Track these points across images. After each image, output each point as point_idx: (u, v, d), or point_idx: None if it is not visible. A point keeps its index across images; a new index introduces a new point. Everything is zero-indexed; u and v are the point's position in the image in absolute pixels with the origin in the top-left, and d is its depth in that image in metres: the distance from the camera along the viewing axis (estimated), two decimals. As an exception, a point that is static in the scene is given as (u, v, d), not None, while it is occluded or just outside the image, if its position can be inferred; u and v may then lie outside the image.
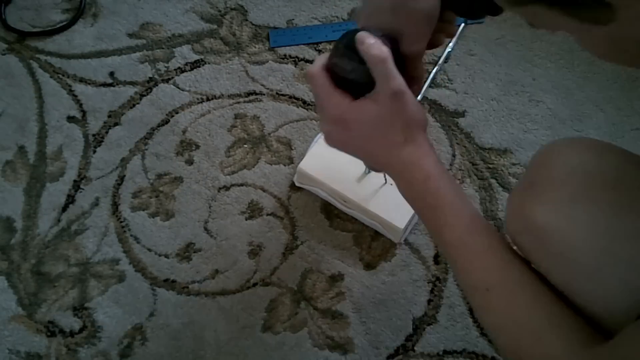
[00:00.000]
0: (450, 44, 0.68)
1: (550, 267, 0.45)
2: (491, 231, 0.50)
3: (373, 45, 0.48)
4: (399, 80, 0.48)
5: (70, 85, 0.92)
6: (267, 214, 0.83)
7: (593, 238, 0.42)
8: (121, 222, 0.83)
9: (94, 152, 0.88)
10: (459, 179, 0.84)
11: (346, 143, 0.53)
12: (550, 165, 0.47)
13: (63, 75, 0.93)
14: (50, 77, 0.93)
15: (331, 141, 0.54)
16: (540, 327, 0.44)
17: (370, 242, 0.80)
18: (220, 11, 0.98)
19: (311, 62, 0.93)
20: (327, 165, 0.78)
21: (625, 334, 0.38)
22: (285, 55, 0.94)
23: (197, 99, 0.91)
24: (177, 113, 0.90)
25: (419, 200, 0.51)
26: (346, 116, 0.51)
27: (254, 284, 0.79)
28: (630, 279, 0.40)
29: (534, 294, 0.45)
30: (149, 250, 0.81)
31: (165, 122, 0.89)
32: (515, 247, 0.49)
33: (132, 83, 0.92)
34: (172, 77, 0.92)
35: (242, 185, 0.85)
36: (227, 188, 0.85)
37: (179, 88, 0.92)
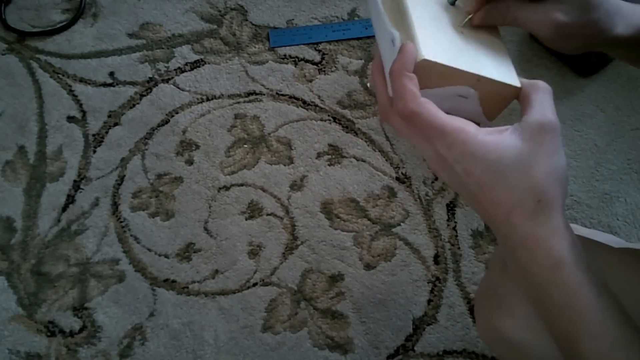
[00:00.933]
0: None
1: None
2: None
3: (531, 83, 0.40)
4: (556, 116, 0.38)
5: (70, 85, 0.93)
6: (267, 214, 0.83)
7: (552, 343, 0.41)
8: (121, 222, 0.83)
9: (94, 152, 0.88)
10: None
11: (460, 186, 0.39)
12: (511, 278, 0.47)
13: (63, 75, 0.93)
14: (50, 77, 0.93)
15: (443, 178, 0.40)
16: None
17: (370, 242, 0.80)
18: (220, 11, 0.98)
19: (311, 62, 0.93)
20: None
21: None
22: (285, 55, 0.94)
23: (197, 99, 0.91)
24: (177, 113, 0.90)
25: (541, 289, 0.37)
26: (471, 150, 0.36)
27: (254, 284, 0.79)
28: None
29: None
30: (149, 250, 0.81)
31: (165, 122, 0.89)
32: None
33: (132, 83, 0.92)
34: (172, 77, 0.92)
35: (242, 185, 0.85)
36: (227, 188, 0.85)
37: (179, 88, 0.92)
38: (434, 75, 0.38)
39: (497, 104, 0.40)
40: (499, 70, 0.41)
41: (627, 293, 0.39)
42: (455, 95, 0.40)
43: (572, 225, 0.78)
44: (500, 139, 0.37)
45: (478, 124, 0.38)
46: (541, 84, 0.40)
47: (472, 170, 0.37)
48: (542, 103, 0.39)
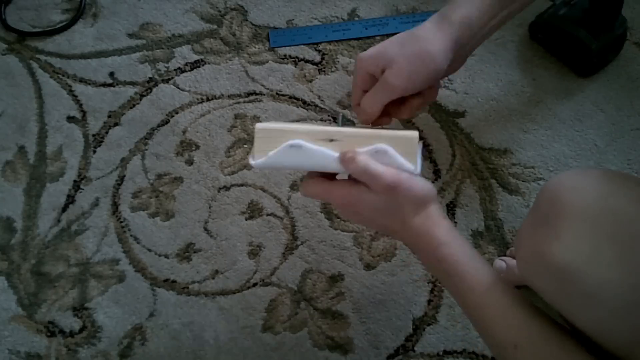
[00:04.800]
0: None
1: (574, 309, 0.43)
2: (510, 289, 0.50)
3: (350, 160, 0.52)
4: (387, 175, 0.51)
5: (70, 86, 0.93)
6: (267, 214, 0.83)
7: (620, 275, 0.40)
8: (121, 222, 0.83)
9: (94, 152, 0.88)
10: (459, 179, 0.84)
11: (360, 220, 0.57)
12: (564, 201, 0.44)
13: (63, 76, 0.93)
14: (50, 77, 0.93)
15: (345, 217, 0.60)
16: None
17: (370, 242, 0.80)
18: (220, 11, 0.98)
19: (311, 62, 0.93)
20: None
21: None
22: (285, 55, 0.94)
23: (197, 99, 0.91)
24: (177, 113, 0.90)
25: (436, 268, 0.53)
26: (352, 200, 0.54)
27: (254, 284, 0.79)
28: None
29: (560, 346, 0.45)
30: (149, 250, 0.81)
31: (165, 122, 0.89)
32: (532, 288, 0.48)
33: (132, 83, 0.92)
34: (172, 77, 0.92)
35: (242, 185, 0.85)
36: (227, 188, 0.85)
37: (179, 88, 0.92)
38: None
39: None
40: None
41: None
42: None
43: None
44: (368, 198, 0.54)
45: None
46: (352, 155, 0.53)
47: (362, 214, 0.55)
48: (376, 173, 0.53)
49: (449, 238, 0.53)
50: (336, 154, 0.53)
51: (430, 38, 0.58)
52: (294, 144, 0.53)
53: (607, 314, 0.40)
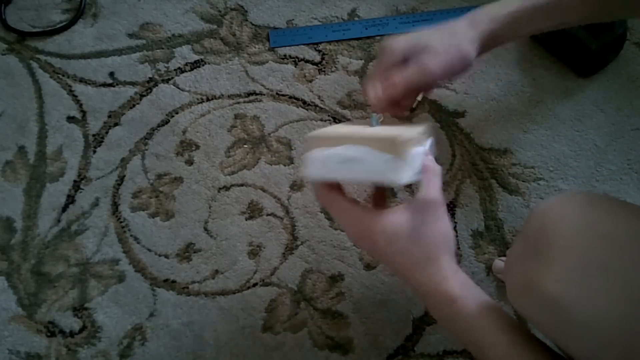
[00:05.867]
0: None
1: (568, 339, 0.43)
2: (531, 339, 0.49)
3: (428, 158, 0.53)
4: (439, 193, 0.51)
5: (70, 86, 0.93)
6: (267, 214, 0.83)
7: (613, 304, 0.40)
8: (121, 222, 0.83)
9: (94, 152, 0.88)
10: (459, 179, 0.84)
11: (373, 251, 0.54)
12: (552, 231, 0.45)
13: (63, 76, 0.93)
14: (50, 77, 0.93)
15: (359, 246, 0.57)
16: None
17: (370, 242, 0.80)
18: (220, 11, 0.98)
19: (311, 62, 0.93)
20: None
21: None
22: (285, 55, 0.94)
23: (197, 99, 0.91)
24: (177, 113, 0.90)
25: (451, 323, 0.51)
26: (371, 228, 0.51)
27: (254, 284, 0.79)
28: None
29: None
30: (149, 250, 0.81)
31: (165, 122, 0.89)
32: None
33: (132, 83, 0.92)
34: (172, 77, 0.92)
35: (242, 185, 0.85)
36: (227, 188, 0.85)
37: (179, 88, 0.92)
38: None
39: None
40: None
41: None
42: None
43: None
44: (393, 217, 0.50)
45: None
46: (432, 166, 0.52)
47: (377, 243, 0.50)
48: (428, 184, 0.51)
49: (464, 293, 0.50)
50: (387, 177, 0.49)
51: (466, 37, 0.61)
52: (349, 155, 0.50)
53: (600, 343, 0.40)
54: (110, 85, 0.92)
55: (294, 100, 0.90)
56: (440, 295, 0.50)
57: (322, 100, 0.90)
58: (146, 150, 0.87)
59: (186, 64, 0.94)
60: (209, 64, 0.94)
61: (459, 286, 0.50)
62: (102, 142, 0.88)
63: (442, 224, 0.51)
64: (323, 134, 0.54)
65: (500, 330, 0.49)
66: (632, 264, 0.41)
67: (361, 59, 0.92)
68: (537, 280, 0.43)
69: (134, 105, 0.91)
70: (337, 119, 0.88)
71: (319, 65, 0.93)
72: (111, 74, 0.93)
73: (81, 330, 0.77)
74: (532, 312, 0.45)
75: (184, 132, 0.88)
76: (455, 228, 0.81)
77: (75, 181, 0.86)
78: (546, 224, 0.45)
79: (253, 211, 0.83)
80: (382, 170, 0.49)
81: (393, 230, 0.50)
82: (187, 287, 0.79)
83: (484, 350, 0.48)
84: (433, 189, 0.51)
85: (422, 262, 0.50)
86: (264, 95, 0.91)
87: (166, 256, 0.81)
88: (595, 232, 0.43)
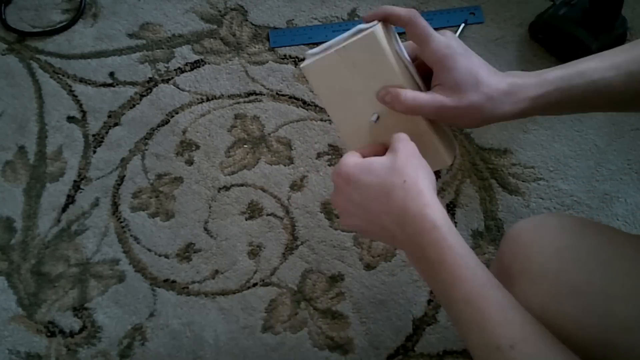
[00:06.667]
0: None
1: None
2: (504, 288, 0.45)
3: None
4: (412, 145, 0.49)
5: (70, 86, 0.93)
6: (267, 214, 0.83)
7: (582, 331, 0.41)
8: (121, 222, 0.83)
9: (94, 152, 0.88)
10: (459, 179, 0.84)
11: (348, 203, 0.50)
12: (524, 255, 0.45)
13: (63, 76, 0.93)
14: (50, 77, 0.93)
15: (340, 208, 0.52)
16: None
17: (370, 242, 0.80)
18: (220, 11, 0.98)
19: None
20: None
21: None
22: (285, 55, 0.94)
23: (197, 99, 0.91)
24: (177, 113, 0.90)
25: (424, 254, 0.46)
26: (348, 170, 0.49)
27: (254, 284, 0.79)
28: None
29: (558, 350, 0.41)
30: (149, 250, 0.81)
31: (165, 122, 0.89)
32: None
33: (132, 83, 0.92)
34: (172, 77, 0.92)
35: (242, 185, 0.85)
36: (227, 188, 0.85)
37: (179, 88, 0.92)
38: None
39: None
40: None
41: (637, 273, 0.43)
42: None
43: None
44: (371, 158, 0.49)
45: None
46: (402, 139, 0.50)
47: (351, 178, 0.48)
48: (402, 145, 0.50)
49: (444, 222, 0.46)
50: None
51: (521, 98, 0.52)
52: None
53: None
54: (110, 85, 0.92)
55: (294, 100, 0.90)
56: (418, 219, 0.45)
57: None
58: (146, 150, 0.87)
59: (186, 64, 0.94)
60: (209, 64, 0.94)
61: (442, 216, 0.46)
62: (102, 142, 0.88)
63: (417, 159, 0.48)
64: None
65: (480, 268, 0.44)
66: (601, 288, 0.42)
67: (361, 59, 0.92)
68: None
69: (134, 105, 0.91)
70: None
71: (319, 65, 0.93)
72: (111, 74, 0.93)
73: (81, 330, 0.77)
74: None
75: (184, 132, 0.88)
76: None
77: (75, 181, 0.86)
78: (518, 249, 0.47)
79: (253, 211, 0.83)
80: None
81: (368, 164, 0.49)
82: (187, 287, 0.79)
83: (458, 283, 0.44)
84: (404, 145, 0.49)
85: (399, 185, 0.46)
86: (264, 95, 0.91)
87: (166, 256, 0.81)
88: (566, 257, 0.45)
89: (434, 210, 0.45)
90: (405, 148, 0.49)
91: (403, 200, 0.46)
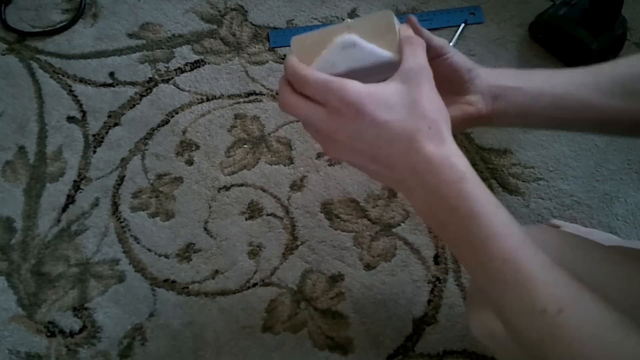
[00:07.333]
0: (451, 44, 0.67)
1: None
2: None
3: (409, 31, 0.45)
4: (426, 61, 0.43)
5: (70, 86, 0.93)
6: (267, 214, 0.83)
7: None
8: (121, 222, 0.83)
9: (94, 152, 0.88)
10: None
11: (354, 138, 0.41)
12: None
13: (63, 76, 0.93)
14: (50, 77, 0.93)
15: (334, 143, 0.43)
16: (634, 346, 0.35)
17: (370, 242, 0.80)
18: (220, 11, 0.98)
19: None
20: None
21: None
22: (285, 55, 0.94)
23: (197, 99, 0.91)
24: (177, 113, 0.90)
25: (450, 206, 0.40)
26: (360, 100, 0.40)
27: (254, 284, 0.79)
28: None
29: (613, 318, 0.36)
30: (149, 250, 0.81)
31: (165, 122, 0.89)
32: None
33: (132, 83, 0.92)
34: (172, 77, 0.92)
35: (242, 185, 0.85)
36: (227, 188, 0.85)
37: (179, 88, 0.92)
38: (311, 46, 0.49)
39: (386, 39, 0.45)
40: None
41: (611, 288, 0.40)
42: (346, 52, 0.45)
43: (572, 225, 0.76)
44: (383, 85, 0.41)
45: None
46: (414, 39, 0.44)
47: (364, 111, 0.39)
48: (414, 53, 0.43)
49: (473, 173, 0.41)
50: (388, 54, 0.44)
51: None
52: (347, 41, 0.44)
53: None
54: (110, 85, 0.92)
55: (294, 100, 0.90)
56: (446, 169, 0.40)
57: (322, 100, 0.90)
58: (146, 150, 0.87)
59: (186, 64, 0.94)
60: (209, 64, 0.94)
61: (469, 167, 0.41)
62: (102, 142, 0.88)
63: (435, 94, 0.42)
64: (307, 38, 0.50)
65: (516, 224, 0.40)
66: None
67: (361, 59, 0.92)
68: (486, 317, 0.46)
69: (134, 105, 0.91)
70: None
71: (319, 65, 0.93)
72: (111, 74, 0.93)
73: (81, 330, 0.77)
74: (488, 342, 0.49)
75: (184, 132, 0.88)
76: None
77: (75, 181, 0.86)
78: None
79: (253, 211, 0.83)
80: (378, 50, 0.45)
81: (385, 96, 0.40)
82: (187, 287, 0.79)
83: (493, 239, 0.39)
84: (420, 57, 0.43)
85: (425, 129, 0.40)
86: (264, 95, 0.91)
87: (166, 256, 0.81)
88: None
89: (461, 160, 0.41)
90: (421, 73, 0.42)
91: (427, 148, 0.40)
